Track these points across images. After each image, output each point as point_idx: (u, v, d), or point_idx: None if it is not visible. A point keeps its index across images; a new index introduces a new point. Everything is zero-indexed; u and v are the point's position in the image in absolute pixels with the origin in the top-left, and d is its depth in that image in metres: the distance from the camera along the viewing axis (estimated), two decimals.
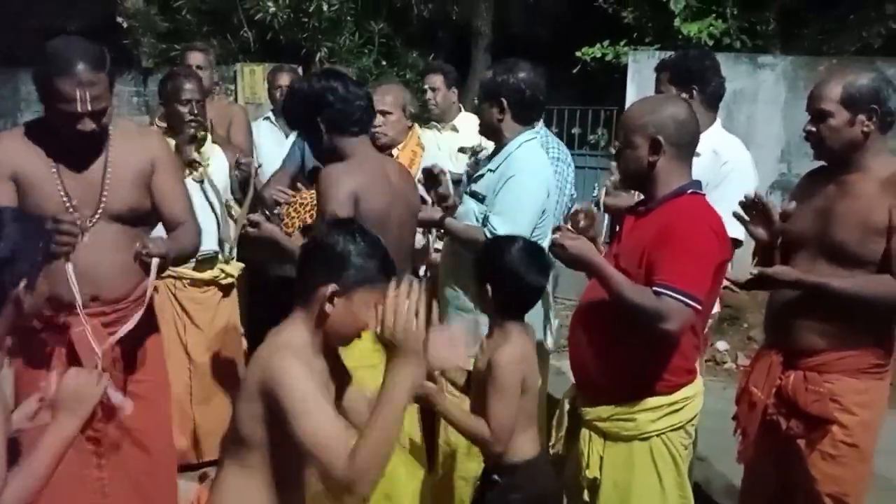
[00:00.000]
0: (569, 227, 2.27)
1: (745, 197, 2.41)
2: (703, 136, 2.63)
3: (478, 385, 2.26)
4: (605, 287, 2.12)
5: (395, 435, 1.55)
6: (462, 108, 4.52)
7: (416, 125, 3.75)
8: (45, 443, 1.66)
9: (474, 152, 3.84)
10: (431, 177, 2.88)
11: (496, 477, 2.23)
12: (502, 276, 2.22)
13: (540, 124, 3.35)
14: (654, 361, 2.16)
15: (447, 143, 4.22)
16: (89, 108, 2.26)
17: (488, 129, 2.90)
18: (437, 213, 2.84)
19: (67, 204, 2.33)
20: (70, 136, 2.31)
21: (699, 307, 2.04)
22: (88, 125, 2.29)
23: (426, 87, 4.40)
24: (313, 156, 2.86)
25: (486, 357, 2.21)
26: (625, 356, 2.16)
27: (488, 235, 2.68)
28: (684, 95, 2.91)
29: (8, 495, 1.53)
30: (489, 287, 2.23)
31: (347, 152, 2.49)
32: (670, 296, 2.00)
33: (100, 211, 2.41)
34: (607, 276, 2.10)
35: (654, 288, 2.03)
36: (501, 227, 2.67)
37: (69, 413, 1.70)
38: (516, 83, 2.76)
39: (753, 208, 2.39)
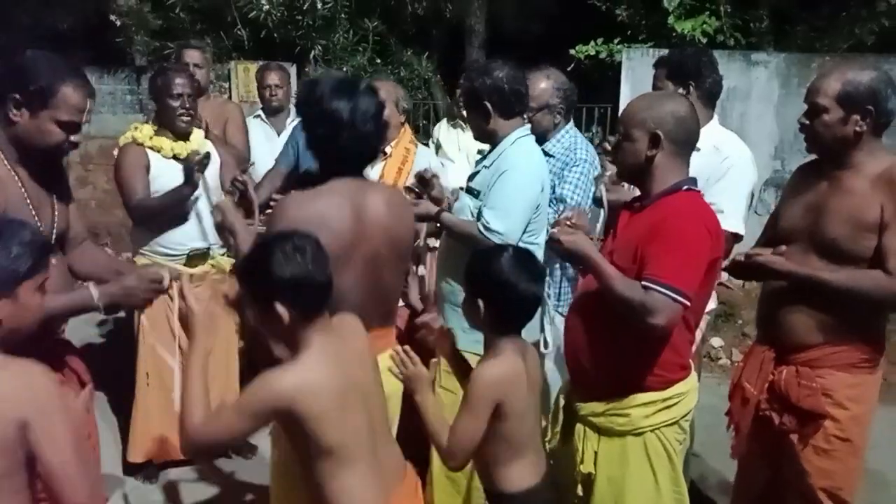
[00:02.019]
0: (567, 221, 2.26)
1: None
2: (701, 133, 2.65)
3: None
4: (598, 281, 2.13)
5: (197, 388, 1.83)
6: None
7: (408, 123, 3.74)
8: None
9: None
10: (423, 181, 2.88)
11: None
12: (494, 289, 2.05)
13: (570, 125, 3.35)
14: (648, 357, 2.16)
15: (467, 144, 4.19)
16: (86, 119, 2.21)
17: (481, 135, 2.92)
18: (433, 207, 2.84)
19: (40, 226, 2.19)
20: (48, 148, 2.18)
21: (687, 303, 2.04)
22: (75, 139, 2.21)
23: (462, 82, 4.32)
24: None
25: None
26: (618, 351, 2.17)
27: (482, 230, 2.69)
28: (681, 91, 2.92)
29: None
30: (481, 303, 2.06)
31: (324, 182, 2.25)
32: (658, 290, 2.01)
33: (54, 232, 2.28)
34: (601, 270, 2.11)
35: (643, 282, 2.03)
36: (494, 221, 2.68)
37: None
38: (493, 82, 2.77)
39: None
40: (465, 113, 4.19)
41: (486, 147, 3.59)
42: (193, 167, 3.30)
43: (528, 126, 2.94)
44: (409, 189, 3.01)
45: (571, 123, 3.37)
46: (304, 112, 2.29)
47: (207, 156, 3.41)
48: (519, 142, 2.82)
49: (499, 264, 2.05)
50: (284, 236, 1.80)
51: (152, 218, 3.42)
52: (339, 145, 2.20)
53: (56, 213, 2.29)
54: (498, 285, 2.04)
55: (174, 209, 3.41)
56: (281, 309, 1.74)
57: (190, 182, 3.32)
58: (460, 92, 4.26)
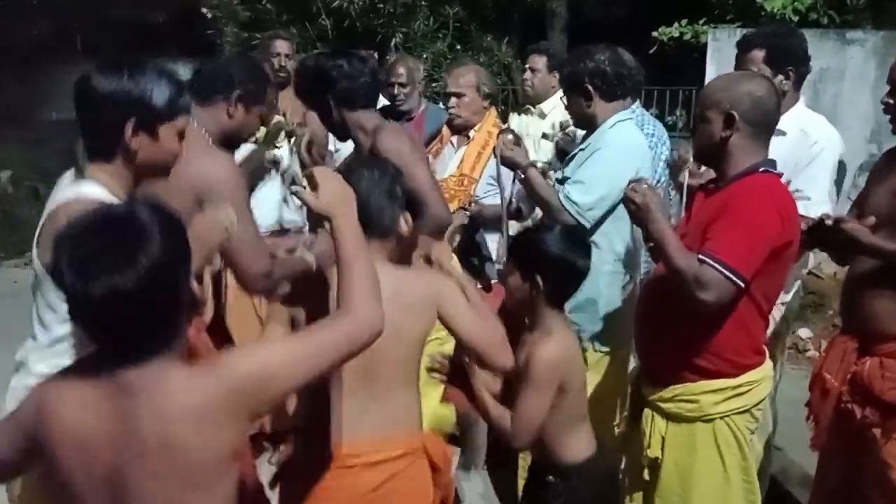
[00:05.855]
0: (646, 183, 2.22)
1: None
2: (788, 116, 2.56)
3: (516, 379, 2.16)
4: (659, 248, 2.11)
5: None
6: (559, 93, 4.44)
7: (493, 107, 3.73)
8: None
9: (563, 127, 3.76)
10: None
11: (551, 478, 2.17)
12: (551, 265, 2.10)
13: (636, 104, 3.31)
14: (718, 343, 2.12)
15: (533, 130, 4.18)
16: None
17: (581, 119, 2.90)
18: (525, 158, 2.84)
19: None
20: (244, 140, 2.48)
21: (741, 284, 2.00)
22: None
23: (526, 66, 4.29)
24: (327, 129, 2.91)
25: (526, 351, 2.11)
26: (689, 337, 2.14)
27: (561, 198, 2.68)
28: (780, 77, 2.81)
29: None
30: (539, 278, 2.09)
31: (364, 124, 2.56)
32: (713, 266, 1.98)
33: None
34: (663, 236, 2.08)
35: (700, 255, 2.01)
36: (575, 193, 2.67)
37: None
38: (595, 65, 2.74)
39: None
40: (528, 93, 4.23)
41: (551, 131, 3.63)
42: (277, 131, 3.45)
43: (631, 110, 2.92)
44: (507, 130, 3.14)
45: (638, 103, 3.33)
46: (312, 81, 2.58)
47: (289, 130, 3.53)
48: (619, 125, 2.78)
49: (554, 240, 2.13)
50: None
51: None
52: (350, 83, 2.51)
53: None
54: (555, 261, 2.11)
55: (256, 173, 3.48)
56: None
57: (270, 145, 3.45)
58: (526, 77, 4.29)
